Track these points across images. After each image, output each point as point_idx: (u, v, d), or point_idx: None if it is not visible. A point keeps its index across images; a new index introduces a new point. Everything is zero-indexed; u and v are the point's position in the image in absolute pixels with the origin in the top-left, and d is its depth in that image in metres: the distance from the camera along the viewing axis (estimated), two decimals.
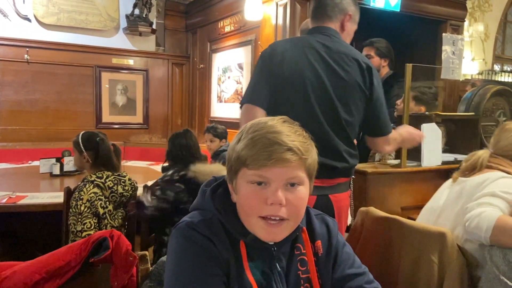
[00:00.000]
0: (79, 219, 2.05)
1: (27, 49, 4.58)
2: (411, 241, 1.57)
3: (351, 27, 1.73)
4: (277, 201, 0.85)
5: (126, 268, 1.11)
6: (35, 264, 1.05)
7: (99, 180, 2.15)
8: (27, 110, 4.68)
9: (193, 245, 0.89)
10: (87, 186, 2.10)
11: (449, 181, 1.80)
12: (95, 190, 2.11)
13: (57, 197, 2.39)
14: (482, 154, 1.70)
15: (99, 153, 2.22)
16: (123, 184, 2.22)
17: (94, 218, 2.09)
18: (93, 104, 5.01)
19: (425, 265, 1.51)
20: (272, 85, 1.57)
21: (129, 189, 2.25)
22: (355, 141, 1.70)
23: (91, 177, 2.16)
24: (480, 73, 6.43)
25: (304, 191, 0.90)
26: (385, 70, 3.13)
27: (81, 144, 2.24)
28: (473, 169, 1.68)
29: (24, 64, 4.60)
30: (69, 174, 3.31)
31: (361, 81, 1.61)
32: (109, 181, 2.17)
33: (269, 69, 1.58)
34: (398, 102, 2.74)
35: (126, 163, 3.99)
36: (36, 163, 3.61)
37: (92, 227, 2.07)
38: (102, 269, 1.10)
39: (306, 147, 0.89)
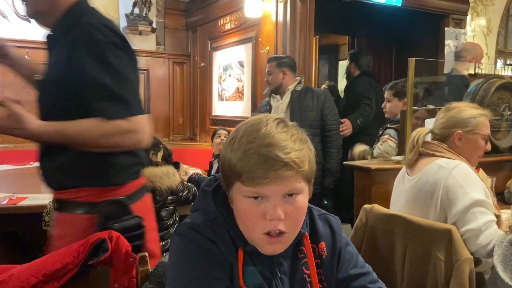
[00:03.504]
0: (51, 212, 2.02)
1: (27, 49, 4.56)
2: (417, 239, 1.55)
3: None
4: (275, 218, 0.83)
5: (126, 269, 1.08)
6: (32, 267, 1.03)
7: None
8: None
9: (196, 247, 0.86)
10: None
11: (400, 178, 1.84)
12: None
13: None
14: (419, 132, 1.75)
15: None
16: None
17: None
18: None
19: (431, 262, 1.48)
20: None
21: None
22: None
23: None
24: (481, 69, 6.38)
25: (303, 200, 0.87)
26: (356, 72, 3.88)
27: None
28: (412, 148, 1.74)
29: None
30: None
31: None
32: None
33: None
34: (383, 105, 2.87)
35: None
36: (37, 164, 3.59)
37: None
38: (100, 271, 1.08)
39: (302, 157, 0.83)
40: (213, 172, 3.44)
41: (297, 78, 3.11)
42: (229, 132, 3.43)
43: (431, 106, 2.54)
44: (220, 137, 3.37)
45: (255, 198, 0.84)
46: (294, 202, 0.85)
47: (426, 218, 1.63)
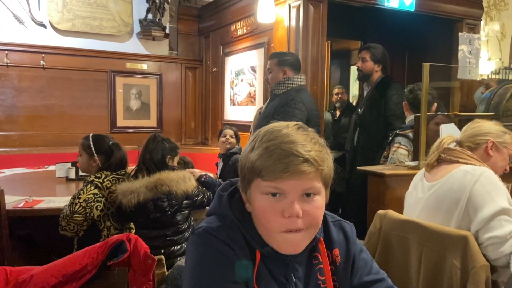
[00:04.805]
0: (67, 217, 2.03)
1: (43, 55, 4.64)
2: (432, 245, 1.53)
3: None
4: (294, 214, 0.84)
5: (145, 271, 1.10)
6: (52, 268, 1.05)
7: (97, 180, 2.13)
8: (43, 115, 4.74)
9: (212, 251, 0.87)
10: (88, 186, 2.10)
11: (417, 184, 1.82)
12: (95, 191, 2.10)
13: None
14: (446, 138, 1.79)
15: (111, 158, 2.22)
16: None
17: (85, 221, 2.06)
18: (107, 108, 5.06)
19: (447, 270, 1.47)
20: None
21: None
22: None
23: (90, 177, 2.15)
24: (497, 72, 6.31)
25: (320, 201, 0.88)
26: (378, 74, 3.33)
27: (92, 147, 2.24)
28: (436, 150, 1.75)
29: (40, 70, 4.66)
30: (85, 178, 3.32)
31: None
32: (107, 181, 2.15)
33: None
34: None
35: None
36: (52, 167, 3.65)
37: (74, 230, 2.06)
38: (118, 273, 1.09)
39: (322, 157, 0.86)
40: (219, 171, 3.45)
41: (300, 78, 2.82)
42: (235, 131, 3.44)
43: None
44: (225, 136, 3.39)
45: (274, 195, 0.85)
46: (312, 201, 0.86)
47: (448, 225, 1.60)
